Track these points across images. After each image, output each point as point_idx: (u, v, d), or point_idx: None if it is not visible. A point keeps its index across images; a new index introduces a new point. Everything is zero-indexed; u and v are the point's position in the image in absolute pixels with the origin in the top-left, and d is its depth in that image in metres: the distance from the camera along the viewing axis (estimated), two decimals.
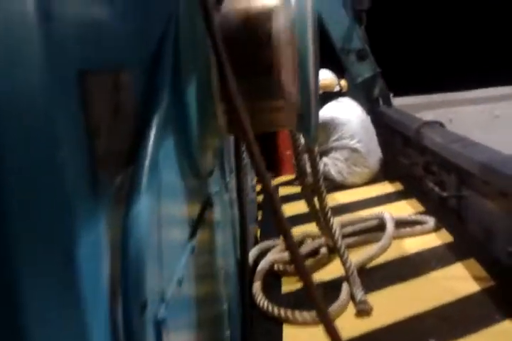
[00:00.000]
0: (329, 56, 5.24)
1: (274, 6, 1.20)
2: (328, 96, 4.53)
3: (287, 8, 1.20)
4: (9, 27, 0.43)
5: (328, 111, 4.44)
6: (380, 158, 4.52)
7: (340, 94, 4.65)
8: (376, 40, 5.42)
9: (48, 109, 0.46)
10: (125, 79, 0.72)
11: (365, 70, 5.26)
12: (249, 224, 2.52)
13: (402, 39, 7.08)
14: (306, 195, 2.74)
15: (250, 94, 1.22)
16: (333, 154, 4.45)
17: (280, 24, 1.18)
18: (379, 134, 4.66)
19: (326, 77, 4.60)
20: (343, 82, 4.81)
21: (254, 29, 1.19)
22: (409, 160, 4.27)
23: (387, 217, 3.22)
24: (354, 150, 4.38)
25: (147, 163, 0.71)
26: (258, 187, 4.00)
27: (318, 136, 4.45)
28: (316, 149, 2.31)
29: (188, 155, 1.10)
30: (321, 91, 4.57)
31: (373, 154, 4.47)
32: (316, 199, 2.58)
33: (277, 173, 5.18)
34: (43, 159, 0.46)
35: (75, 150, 0.54)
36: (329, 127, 4.39)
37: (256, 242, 3.27)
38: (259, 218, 4.00)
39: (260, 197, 4.35)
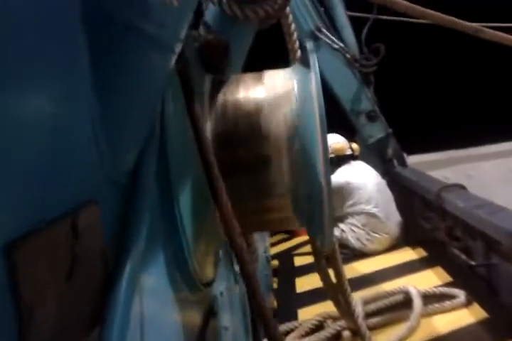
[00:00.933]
0: (338, 118, 5.18)
1: (274, 97, 1.08)
2: (341, 160, 4.41)
3: (290, 99, 1.08)
4: None
5: (341, 176, 4.30)
6: (400, 222, 4.32)
7: (352, 157, 4.53)
8: (385, 99, 5.37)
9: None
10: (88, 219, 0.57)
11: (376, 131, 5.16)
12: (262, 295, 2.28)
13: (410, 98, 7.04)
14: (321, 266, 2.52)
15: (248, 192, 1.09)
16: (349, 220, 4.26)
17: (281, 116, 1.06)
18: (396, 197, 4.48)
19: (337, 140, 4.51)
20: (355, 145, 4.70)
21: (252, 122, 1.07)
22: (430, 224, 4.06)
23: (413, 291, 2.98)
24: (372, 215, 4.19)
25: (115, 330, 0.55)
26: (273, 250, 3.77)
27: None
28: None
29: (183, 270, 0.95)
30: (332, 155, 4.46)
31: (392, 218, 4.27)
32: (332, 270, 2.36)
33: (292, 234, 4.99)
34: None
35: None
36: (344, 192, 4.23)
37: (274, 315, 3.04)
38: (276, 286, 3.78)
39: (276, 261, 4.11)
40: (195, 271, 0.99)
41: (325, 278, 2.51)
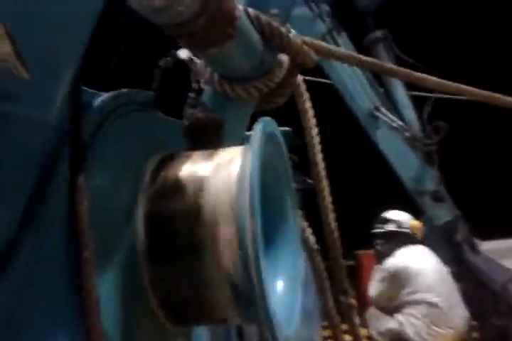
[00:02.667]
0: (403, 199, 4.91)
1: (203, 174, 0.99)
2: (410, 239, 4.15)
3: (222, 176, 0.97)
4: None
5: (399, 259, 3.99)
6: (466, 317, 3.83)
7: (413, 240, 4.21)
8: (455, 180, 5.05)
9: None
10: None
11: (443, 213, 4.78)
12: None
13: (484, 178, 6.59)
14: None
15: (182, 279, 0.96)
16: (408, 310, 3.84)
17: (222, 200, 0.95)
18: (464, 287, 4.03)
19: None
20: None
21: (189, 203, 0.97)
22: (501, 320, 3.58)
23: None
24: (433, 305, 3.76)
25: None
26: None
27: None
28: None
29: None
30: (408, 230, 4.20)
31: (457, 311, 3.80)
32: None
33: None
34: None
35: None
36: (402, 277, 3.88)
37: None
38: None
39: None
40: None
41: None
